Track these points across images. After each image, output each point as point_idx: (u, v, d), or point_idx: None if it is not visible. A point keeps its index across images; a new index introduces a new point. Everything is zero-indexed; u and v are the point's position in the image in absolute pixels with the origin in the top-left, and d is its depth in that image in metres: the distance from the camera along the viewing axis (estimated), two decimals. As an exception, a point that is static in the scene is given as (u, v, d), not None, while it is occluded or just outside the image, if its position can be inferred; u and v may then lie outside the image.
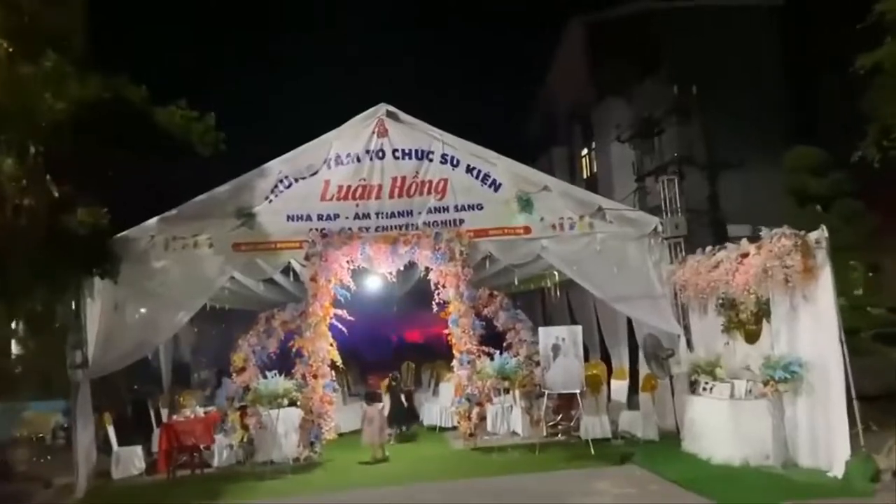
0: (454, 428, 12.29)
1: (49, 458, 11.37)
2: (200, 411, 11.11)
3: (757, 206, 13.52)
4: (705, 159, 17.71)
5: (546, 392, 10.39)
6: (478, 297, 10.99)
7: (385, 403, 11.92)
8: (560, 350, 10.35)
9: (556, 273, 13.07)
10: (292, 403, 10.30)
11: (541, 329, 10.70)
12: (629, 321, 12.64)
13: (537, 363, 10.69)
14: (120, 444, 10.64)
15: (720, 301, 9.89)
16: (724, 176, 18.26)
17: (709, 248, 10.22)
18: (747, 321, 9.62)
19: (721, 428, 8.94)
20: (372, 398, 11.46)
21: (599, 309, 13.36)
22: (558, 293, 14.38)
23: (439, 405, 12.97)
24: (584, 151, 22.94)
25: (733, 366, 9.65)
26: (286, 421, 10.81)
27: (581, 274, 11.20)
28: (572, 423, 11.09)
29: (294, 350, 10.51)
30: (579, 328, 10.60)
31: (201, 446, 10.66)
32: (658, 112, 17.69)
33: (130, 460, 10.58)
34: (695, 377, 9.93)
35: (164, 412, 11.84)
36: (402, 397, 12.72)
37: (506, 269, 11.63)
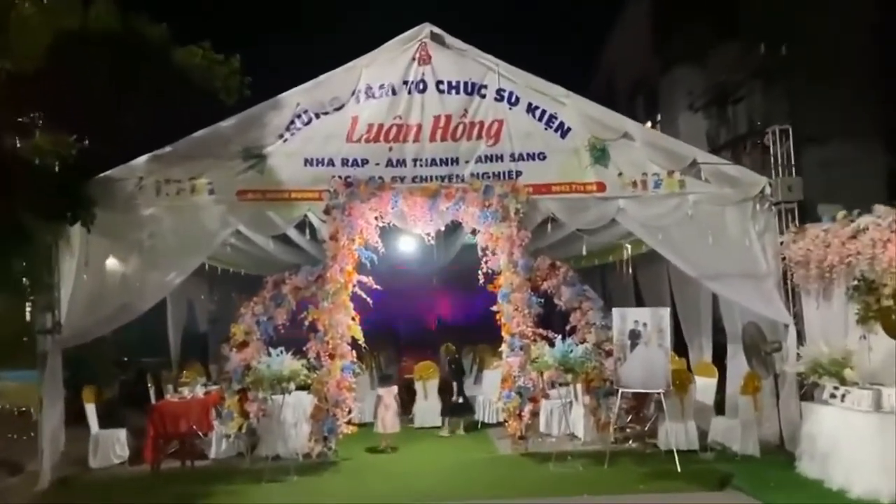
0: (500, 424, 10.25)
1: (33, 434, 9.76)
2: (200, 391, 9.30)
3: (841, 186, 11.18)
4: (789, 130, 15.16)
5: (619, 389, 8.22)
6: (535, 268, 8.84)
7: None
8: (640, 338, 8.15)
9: (627, 246, 10.84)
10: (304, 388, 8.41)
11: (615, 311, 8.48)
12: (714, 305, 10.39)
13: (608, 353, 8.54)
14: (104, 426, 8.96)
15: (856, 282, 7.54)
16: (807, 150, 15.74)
17: (840, 214, 7.89)
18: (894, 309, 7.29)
19: (860, 449, 6.67)
20: (385, 380, 9.91)
21: (677, 290, 11.09)
22: (626, 270, 12.10)
23: (483, 396, 10.92)
24: (648, 124, 20.48)
25: (867, 367, 7.37)
26: (296, 409, 8.94)
27: (667, 244, 8.93)
28: (646, 428, 8.94)
29: (307, 323, 8.56)
30: (666, 311, 8.34)
31: (200, 433, 8.91)
32: (735, 78, 15.38)
33: (111, 446, 8.86)
34: (813, 379, 7.65)
35: (171, 389, 10.07)
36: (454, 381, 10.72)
37: (572, 236, 9.42)
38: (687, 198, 8.94)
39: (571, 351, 7.97)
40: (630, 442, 8.97)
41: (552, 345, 8.21)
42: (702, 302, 10.56)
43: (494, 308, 8.93)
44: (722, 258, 8.80)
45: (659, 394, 8.07)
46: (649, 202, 8.98)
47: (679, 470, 7.59)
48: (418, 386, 11.00)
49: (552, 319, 9.25)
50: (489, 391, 10.96)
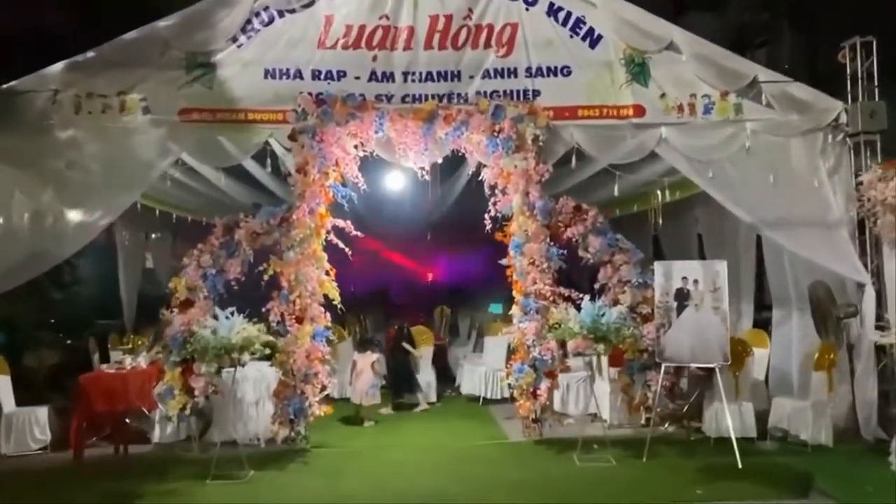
0: (504, 400, 8.65)
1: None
2: (144, 360, 7.55)
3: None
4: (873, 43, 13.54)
5: (662, 364, 6.54)
6: (557, 211, 7.08)
7: (378, 358, 8.65)
8: (689, 299, 6.43)
9: (662, 188, 9.05)
10: (268, 359, 6.69)
11: (658, 265, 6.74)
12: (759, 261, 8.72)
13: (646, 318, 6.86)
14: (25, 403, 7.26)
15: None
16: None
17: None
18: None
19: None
20: (363, 345, 8.72)
21: (710, 247, 9.40)
22: (652, 220, 10.33)
23: (484, 367, 9.27)
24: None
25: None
26: (258, 384, 7.24)
27: (719, 183, 7.18)
28: (684, 410, 7.30)
29: (266, 278, 6.78)
30: (723, 266, 6.57)
31: (144, 411, 7.22)
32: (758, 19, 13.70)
33: (28, 428, 7.14)
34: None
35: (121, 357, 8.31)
36: (409, 355, 9.23)
37: (602, 174, 7.63)
38: (744, 126, 7.18)
39: (603, 315, 6.24)
40: (667, 426, 7.32)
41: (578, 308, 6.49)
42: (743, 259, 8.87)
43: (504, 262, 7.19)
44: (785, 201, 7.12)
45: (712, 369, 6.40)
46: (698, 131, 7.20)
47: (740, 466, 5.97)
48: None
49: (575, 277, 7.53)
50: (492, 361, 9.31)
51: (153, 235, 11.84)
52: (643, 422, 7.24)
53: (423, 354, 9.29)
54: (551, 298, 6.82)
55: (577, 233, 6.97)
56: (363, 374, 8.25)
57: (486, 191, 7.09)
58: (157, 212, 9.24)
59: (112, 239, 10.69)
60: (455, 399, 9.72)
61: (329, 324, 6.92)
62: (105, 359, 8.80)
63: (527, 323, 6.92)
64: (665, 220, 10.03)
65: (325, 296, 6.90)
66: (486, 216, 7.07)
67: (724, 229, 8.73)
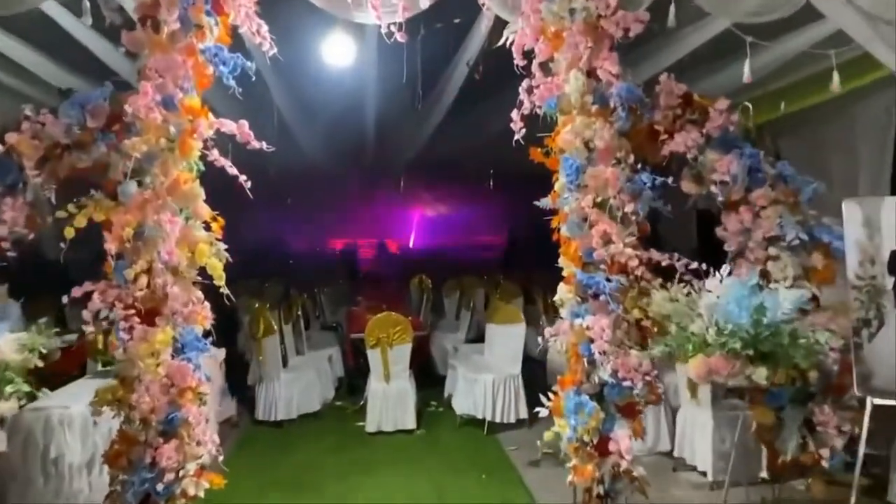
0: (520, 424, 5.56)
1: None
2: None
3: None
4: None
5: (870, 399, 3.36)
6: (648, 105, 3.73)
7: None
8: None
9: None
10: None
11: (848, 204, 3.48)
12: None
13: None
14: None
15: None
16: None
17: None
18: None
19: None
20: None
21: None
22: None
23: (491, 374, 6.03)
24: None
25: None
26: (87, 435, 3.95)
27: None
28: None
29: (70, 236, 3.38)
30: None
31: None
32: None
33: None
34: None
35: None
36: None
37: (720, 44, 4.33)
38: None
39: (765, 308, 3.00)
40: (807, 484, 4.19)
41: (691, 287, 3.26)
42: None
43: (545, 202, 3.88)
44: None
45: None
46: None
47: None
48: (374, 356, 6.04)
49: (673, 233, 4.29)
50: (501, 363, 6.12)
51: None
52: (763, 474, 4.14)
53: (396, 358, 6.02)
54: (639, 272, 3.56)
55: (688, 144, 3.63)
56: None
57: (516, 61, 3.74)
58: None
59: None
60: (444, 419, 6.52)
61: (209, 324, 3.58)
62: None
63: (589, 317, 3.66)
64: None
65: (205, 271, 3.56)
66: (515, 118, 3.75)
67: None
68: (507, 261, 12.93)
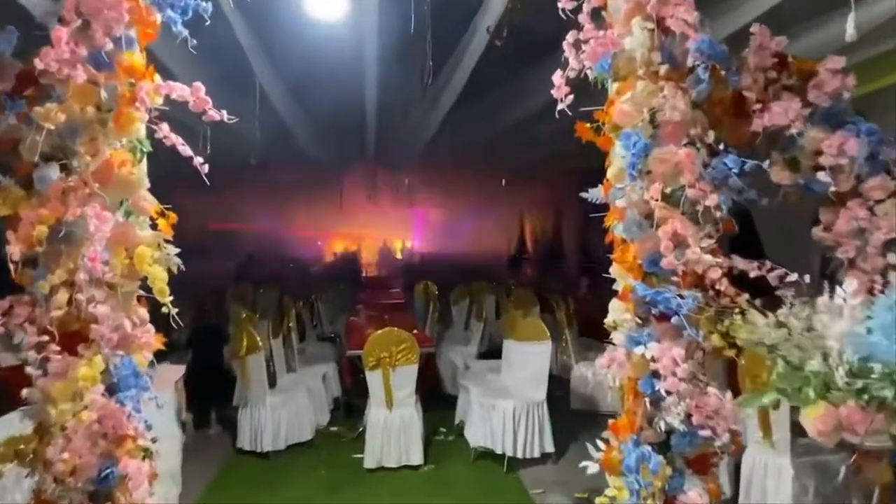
0: (545, 459, 4.68)
1: None
2: None
3: None
4: None
5: None
6: (733, 67, 2.86)
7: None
8: None
9: None
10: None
11: None
12: None
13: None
14: None
15: None
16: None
17: None
18: None
19: None
20: None
21: None
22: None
23: (512, 401, 5.15)
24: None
25: None
26: (1, 491, 3.09)
27: None
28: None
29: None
30: None
31: None
32: None
33: None
34: None
35: None
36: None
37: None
38: None
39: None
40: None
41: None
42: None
43: (594, 194, 3.01)
44: None
45: None
46: None
47: None
48: (374, 379, 5.17)
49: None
50: (523, 387, 5.25)
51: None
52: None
53: (400, 381, 5.15)
54: (721, 286, 2.69)
55: (791, 117, 2.76)
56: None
57: (561, 4, 2.87)
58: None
59: None
60: (455, 451, 5.63)
61: (155, 350, 2.72)
62: None
63: (653, 345, 2.79)
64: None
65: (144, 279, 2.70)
66: (557, 81, 2.89)
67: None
68: (517, 263, 12.12)
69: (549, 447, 5.08)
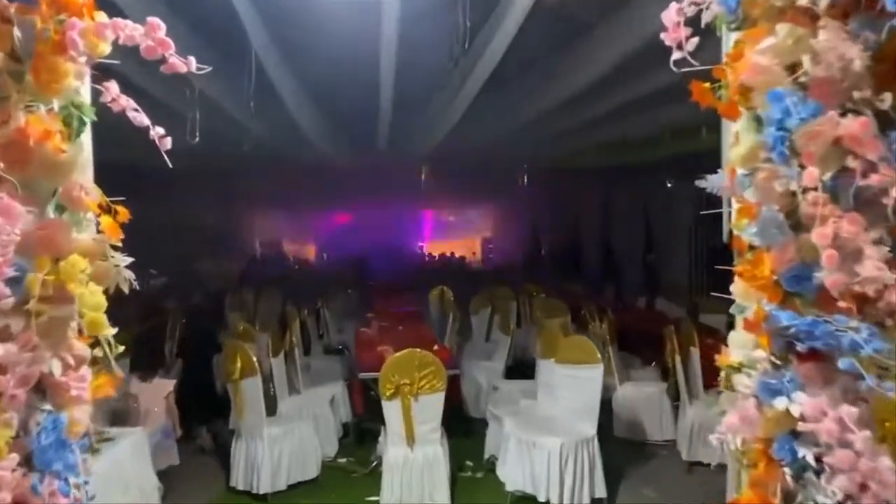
0: None
1: None
2: None
3: None
4: None
5: None
6: None
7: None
8: None
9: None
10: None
11: None
12: None
13: None
14: None
15: None
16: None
17: None
18: None
19: None
20: None
21: None
22: None
23: (559, 438, 4.31)
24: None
25: None
26: None
27: None
28: None
29: None
30: None
31: None
32: None
33: None
34: None
35: None
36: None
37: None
38: None
39: None
40: None
41: None
42: None
43: (710, 183, 2.20)
44: None
45: None
46: None
47: None
48: (392, 411, 4.34)
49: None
50: (570, 419, 4.42)
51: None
52: None
53: (424, 413, 4.32)
54: (908, 314, 1.87)
55: None
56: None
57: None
58: None
59: None
60: (486, 491, 4.80)
61: (87, 410, 1.91)
62: None
63: (801, 397, 1.96)
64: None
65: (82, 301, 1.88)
66: (668, 22, 2.06)
67: None
68: (538, 266, 11.35)
69: (601, 492, 4.27)
